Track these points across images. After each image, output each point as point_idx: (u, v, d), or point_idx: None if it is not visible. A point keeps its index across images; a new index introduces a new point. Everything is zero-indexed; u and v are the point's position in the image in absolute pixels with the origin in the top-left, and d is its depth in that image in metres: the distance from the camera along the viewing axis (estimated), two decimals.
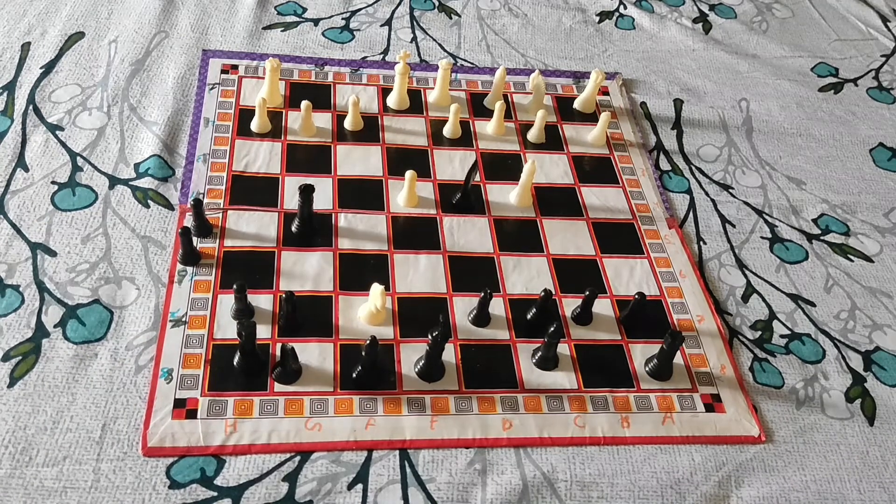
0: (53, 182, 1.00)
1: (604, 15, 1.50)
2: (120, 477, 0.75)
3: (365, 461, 0.79)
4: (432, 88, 1.24)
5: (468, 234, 1.03)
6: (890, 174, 1.27)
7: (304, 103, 1.09)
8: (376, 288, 0.88)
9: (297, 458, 0.79)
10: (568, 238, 1.05)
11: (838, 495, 0.84)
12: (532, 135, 1.19)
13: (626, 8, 1.53)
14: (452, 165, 1.13)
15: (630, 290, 0.99)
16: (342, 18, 1.37)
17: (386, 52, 1.31)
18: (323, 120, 1.15)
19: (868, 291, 1.07)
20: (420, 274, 0.97)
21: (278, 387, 0.83)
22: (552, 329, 0.87)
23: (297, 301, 0.87)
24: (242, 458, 0.78)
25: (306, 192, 0.95)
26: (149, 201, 1.00)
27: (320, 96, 1.18)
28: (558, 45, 1.40)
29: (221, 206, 1.00)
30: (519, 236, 1.04)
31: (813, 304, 1.04)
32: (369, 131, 1.16)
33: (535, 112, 1.20)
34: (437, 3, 1.44)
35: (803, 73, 1.45)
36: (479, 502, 0.78)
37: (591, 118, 1.24)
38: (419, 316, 0.92)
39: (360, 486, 0.77)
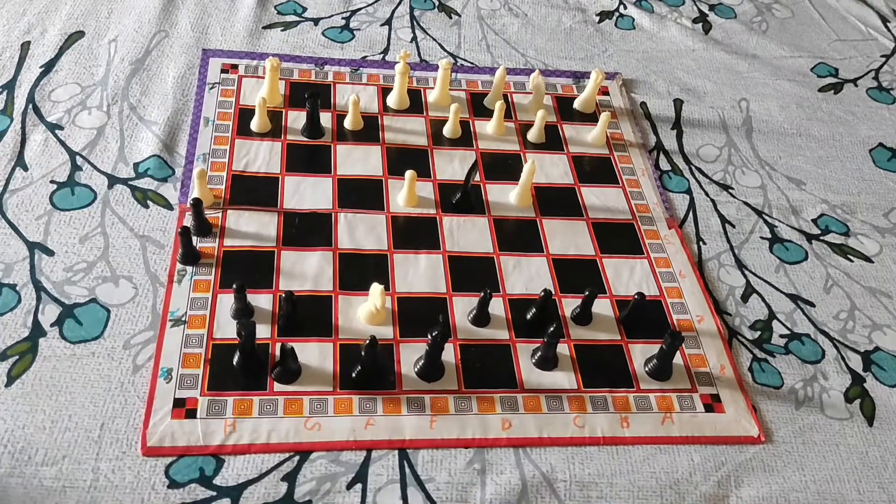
0: (52, 181, 1.00)
1: (604, 15, 1.50)
2: (119, 476, 0.75)
3: (364, 461, 0.79)
4: (432, 88, 1.23)
5: (468, 234, 1.03)
6: (890, 174, 1.27)
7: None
8: (376, 288, 0.88)
9: (297, 458, 0.79)
10: (568, 238, 1.05)
11: (837, 495, 0.84)
12: (532, 135, 1.19)
13: (626, 8, 1.53)
14: (452, 165, 1.12)
15: (630, 291, 0.99)
16: (342, 18, 1.37)
17: (386, 51, 1.31)
18: (323, 120, 1.14)
19: (867, 292, 1.07)
20: (420, 274, 0.97)
21: (278, 386, 0.83)
22: (552, 329, 0.87)
23: (297, 301, 0.87)
24: (241, 457, 0.78)
25: (312, 97, 1.09)
26: (148, 202, 1.00)
27: (320, 96, 1.18)
28: (558, 45, 1.40)
29: (221, 206, 1.00)
30: (519, 236, 1.04)
31: (812, 305, 1.04)
32: (369, 131, 1.15)
33: (535, 112, 1.19)
34: (437, 3, 1.44)
35: (803, 74, 1.45)
36: (479, 502, 0.78)
37: (591, 118, 1.24)
38: (419, 316, 0.92)
39: (359, 486, 0.77)
